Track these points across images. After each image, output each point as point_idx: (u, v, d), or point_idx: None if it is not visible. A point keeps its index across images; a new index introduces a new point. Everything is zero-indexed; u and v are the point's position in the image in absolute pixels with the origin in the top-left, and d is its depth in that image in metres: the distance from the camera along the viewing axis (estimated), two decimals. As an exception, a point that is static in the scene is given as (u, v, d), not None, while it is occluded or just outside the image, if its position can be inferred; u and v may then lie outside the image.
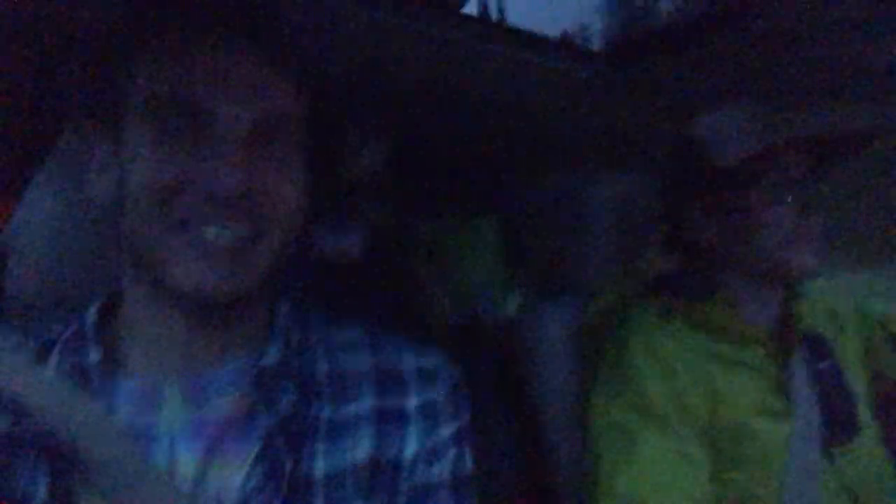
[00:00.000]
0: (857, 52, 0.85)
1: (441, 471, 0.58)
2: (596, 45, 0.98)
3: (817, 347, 0.93)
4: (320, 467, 0.52)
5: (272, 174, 0.51)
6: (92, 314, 0.54)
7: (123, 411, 0.50)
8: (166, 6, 0.51)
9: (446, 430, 0.59)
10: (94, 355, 0.51)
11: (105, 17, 0.70)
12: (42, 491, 0.47)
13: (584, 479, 0.87)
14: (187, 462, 0.50)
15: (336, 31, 0.83)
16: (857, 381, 0.94)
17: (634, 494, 0.78)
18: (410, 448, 0.56)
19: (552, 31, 0.96)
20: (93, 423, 0.48)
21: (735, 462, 0.82)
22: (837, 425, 0.87)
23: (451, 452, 0.59)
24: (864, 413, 0.91)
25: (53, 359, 0.52)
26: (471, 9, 0.93)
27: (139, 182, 0.48)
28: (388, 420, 0.56)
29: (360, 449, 0.54)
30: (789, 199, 0.86)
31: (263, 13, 0.53)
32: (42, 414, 0.47)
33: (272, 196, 0.50)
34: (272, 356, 0.55)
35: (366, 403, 0.56)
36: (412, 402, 0.58)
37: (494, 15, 0.96)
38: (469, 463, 0.61)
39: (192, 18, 0.50)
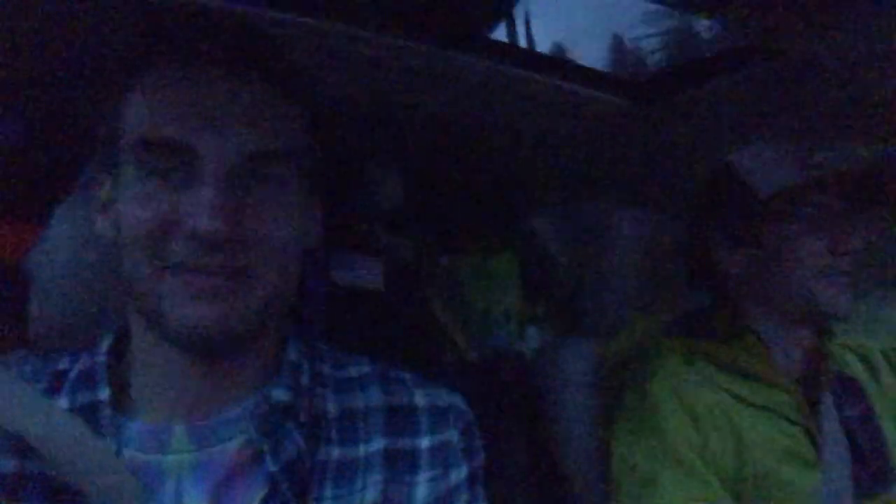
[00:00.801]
0: (888, 85, 0.84)
1: None
2: (629, 74, 0.98)
3: (849, 391, 0.90)
4: None
5: (262, 210, 0.49)
6: (103, 351, 0.54)
7: (131, 451, 0.50)
8: (161, 43, 0.51)
9: (459, 474, 0.57)
10: (104, 394, 0.51)
11: (104, 53, 0.71)
12: None
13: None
14: None
15: (353, 64, 0.84)
16: (891, 427, 0.90)
17: None
18: (421, 494, 0.54)
19: (586, 59, 0.96)
20: (102, 463, 0.47)
21: (763, 512, 0.79)
22: (870, 474, 0.84)
23: (464, 497, 0.57)
24: (897, 461, 0.87)
25: (64, 395, 0.52)
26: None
27: (130, 224, 0.47)
28: (399, 462, 0.55)
29: (369, 493, 0.53)
30: (822, 236, 0.84)
31: (262, 49, 0.53)
32: (51, 452, 0.47)
33: (261, 233, 0.49)
34: (280, 396, 0.54)
35: (376, 444, 0.55)
36: (424, 443, 0.56)
37: (524, 42, 0.97)
38: None
39: (187, 54, 0.50)
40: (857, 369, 0.95)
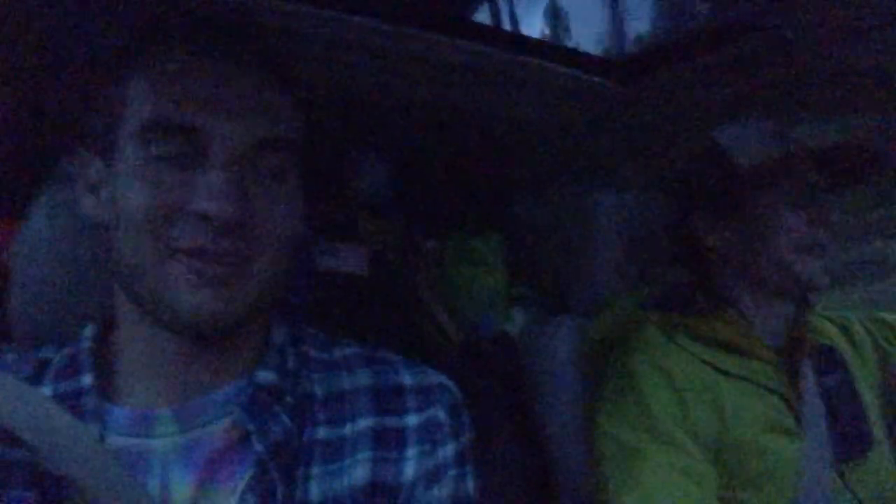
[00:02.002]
0: (874, 63, 0.85)
1: (441, 493, 0.56)
2: (610, 54, 0.99)
3: (828, 361, 0.92)
4: (315, 492, 0.51)
5: (266, 198, 0.50)
6: (86, 339, 0.54)
7: (116, 437, 0.50)
8: (165, 30, 0.51)
9: (447, 451, 0.58)
10: (87, 380, 0.51)
11: (102, 40, 0.71)
12: None
13: (590, 498, 0.85)
14: (180, 488, 0.49)
15: (337, 49, 0.83)
16: (870, 395, 0.93)
17: None
18: (409, 470, 0.55)
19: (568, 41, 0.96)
20: (86, 449, 0.47)
21: (744, 480, 0.81)
22: (849, 441, 0.86)
23: (452, 473, 0.58)
24: (877, 428, 0.89)
25: (47, 383, 0.52)
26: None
27: (132, 206, 0.47)
28: (387, 440, 0.55)
29: (358, 472, 0.53)
30: (801, 210, 0.85)
31: (261, 37, 0.54)
32: (34, 439, 0.47)
33: (265, 220, 0.50)
34: (266, 379, 0.54)
35: (363, 422, 0.56)
36: (412, 421, 0.57)
37: (508, 24, 0.96)
38: (471, 484, 0.60)
39: (190, 41, 0.50)
40: (838, 339, 0.97)
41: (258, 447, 0.51)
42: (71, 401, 0.50)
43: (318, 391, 0.57)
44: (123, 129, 0.49)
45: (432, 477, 0.56)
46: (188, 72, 0.49)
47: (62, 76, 0.82)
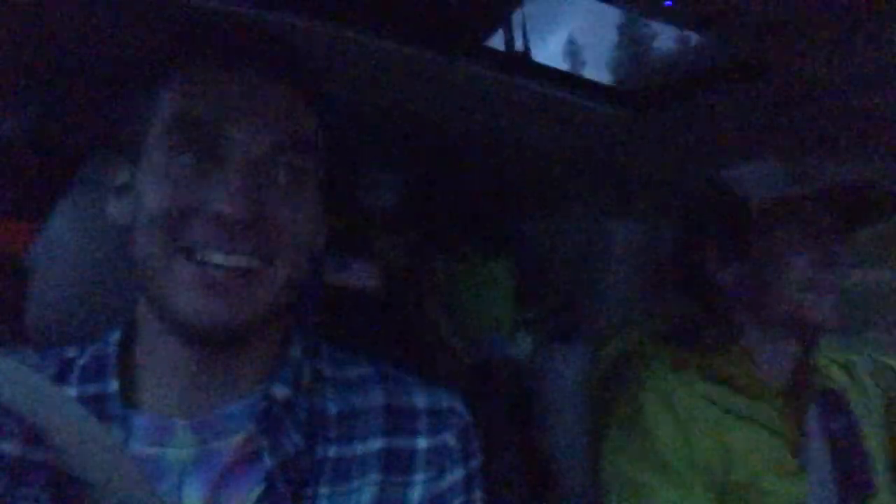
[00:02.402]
0: (883, 105, 0.85)
1: None
2: (626, 85, 1.00)
3: (833, 404, 0.91)
4: None
5: (284, 202, 0.50)
6: (112, 343, 0.55)
7: (135, 443, 0.50)
8: (194, 38, 0.53)
9: (455, 476, 0.58)
10: (111, 385, 0.52)
11: (134, 46, 0.73)
12: None
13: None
14: (193, 499, 0.50)
15: (356, 68, 0.85)
16: (875, 440, 0.92)
17: None
18: (416, 494, 0.55)
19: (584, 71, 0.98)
20: (107, 453, 0.47)
21: (748, 521, 0.80)
22: (852, 485, 0.85)
23: (459, 499, 0.58)
24: (880, 472, 0.89)
25: (72, 384, 0.53)
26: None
27: (150, 206, 0.48)
28: (396, 463, 0.55)
29: (365, 494, 0.53)
30: (811, 249, 0.85)
31: (286, 47, 0.55)
32: (56, 440, 0.47)
33: (281, 225, 0.50)
34: (280, 393, 0.54)
35: (374, 443, 0.56)
36: (422, 444, 0.57)
37: (520, 50, 0.97)
38: None
39: (216, 48, 0.52)
40: (843, 383, 0.96)
41: (269, 463, 0.51)
42: (96, 405, 0.50)
43: (332, 408, 0.57)
44: (151, 133, 0.50)
45: (439, 502, 0.56)
46: (214, 78, 0.50)
47: (90, 82, 0.84)
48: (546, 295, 1.31)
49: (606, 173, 1.18)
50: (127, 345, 0.55)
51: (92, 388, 0.52)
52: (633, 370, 0.95)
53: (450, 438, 0.58)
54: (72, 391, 0.52)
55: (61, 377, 0.53)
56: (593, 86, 0.97)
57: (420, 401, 0.59)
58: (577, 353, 1.08)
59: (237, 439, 0.52)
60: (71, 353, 0.56)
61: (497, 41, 0.95)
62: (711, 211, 0.96)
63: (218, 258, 0.47)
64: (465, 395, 0.64)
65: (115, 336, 0.55)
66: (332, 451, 0.54)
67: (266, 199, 0.49)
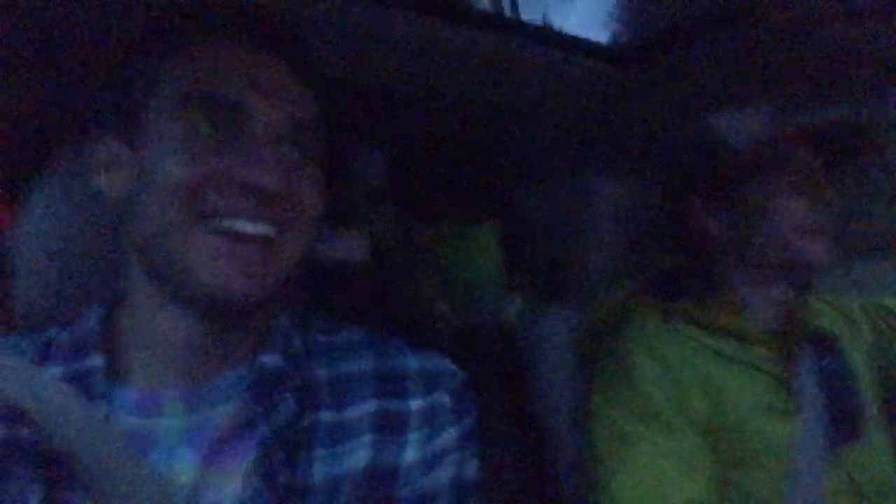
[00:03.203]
0: (873, 47, 0.85)
1: (443, 476, 0.57)
2: (605, 42, 0.99)
3: (824, 345, 0.92)
4: (318, 474, 0.52)
5: (299, 177, 0.52)
6: (93, 319, 0.54)
7: (122, 418, 0.51)
8: (194, 15, 0.53)
9: (449, 435, 0.58)
10: (95, 361, 0.52)
11: (130, 24, 0.71)
12: (35, 500, 0.47)
13: (585, 482, 0.86)
14: (185, 470, 0.50)
15: (337, 35, 0.83)
16: (866, 380, 0.93)
17: (634, 498, 0.78)
18: (410, 454, 0.56)
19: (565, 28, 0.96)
20: (92, 430, 0.48)
21: (737, 461, 0.81)
22: (843, 424, 0.86)
23: (454, 457, 0.58)
24: (871, 412, 0.90)
25: (53, 364, 0.52)
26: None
27: (165, 178, 0.48)
28: (389, 424, 0.56)
29: (359, 455, 0.54)
30: (801, 192, 0.86)
31: (286, 24, 0.55)
32: (41, 419, 0.47)
33: (298, 198, 0.52)
34: (271, 362, 0.55)
35: (367, 406, 0.56)
36: (415, 405, 0.57)
37: (508, 10, 0.96)
38: (473, 468, 0.61)
39: (220, 25, 0.52)
40: (836, 324, 0.98)
41: (263, 430, 0.51)
42: (79, 381, 0.50)
43: (323, 374, 0.57)
44: (153, 107, 0.50)
45: (433, 461, 0.57)
46: (226, 54, 0.51)
47: (69, 61, 0.82)
48: (535, 257, 1.32)
49: (591, 132, 1.18)
50: (109, 320, 0.55)
51: (74, 365, 0.52)
52: (620, 323, 0.95)
53: (443, 397, 0.59)
54: (55, 370, 0.52)
55: (44, 358, 0.53)
56: (576, 41, 0.96)
57: (411, 363, 0.60)
58: (566, 313, 1.09)
59: (229, 408, 0.52)
60: (52, 332, 0.56)
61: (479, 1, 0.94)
62: (697, 160, 0.96)
63: (244, 226, 0.48)
64: (456, 360, 0.64)
65: (98, 311, 0.55)
66: (325, 416, 0.55)
67: (288, 174, 0.50)
